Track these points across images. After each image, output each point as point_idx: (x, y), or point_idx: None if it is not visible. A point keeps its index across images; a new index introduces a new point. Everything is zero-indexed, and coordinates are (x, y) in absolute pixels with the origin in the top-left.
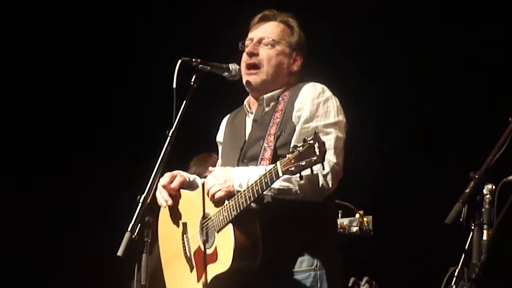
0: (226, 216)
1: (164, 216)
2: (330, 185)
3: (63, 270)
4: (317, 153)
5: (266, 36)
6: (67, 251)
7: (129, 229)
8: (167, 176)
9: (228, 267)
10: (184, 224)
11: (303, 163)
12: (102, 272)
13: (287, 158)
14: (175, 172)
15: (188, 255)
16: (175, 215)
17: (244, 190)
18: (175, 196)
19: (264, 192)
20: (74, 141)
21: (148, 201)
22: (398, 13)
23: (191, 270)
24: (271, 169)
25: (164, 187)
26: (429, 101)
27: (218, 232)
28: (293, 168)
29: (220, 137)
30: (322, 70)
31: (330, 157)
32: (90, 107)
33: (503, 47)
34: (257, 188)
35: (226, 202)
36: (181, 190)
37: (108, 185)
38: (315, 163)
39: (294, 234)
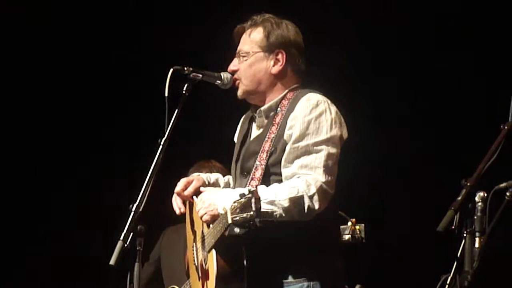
0: (210, 241)
1: (186, 218)
2: (317, 207)
3: (57, 279)
4: (253, 208)
5: (240, 49)
6: (61, 261)
7: (121, 238)
8: (181, 183)
9: None
10: (195, 233)
11: (245, 215)
12: (95, 281)
13: (233, 206)
14: (192, 176)
15: (196, 264)
16: (190, 222)
17: (216, 223)
18: (190, 204)
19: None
20: (66, 150)
21: (140, 210)
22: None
23: (199, 279)
24: (225, 213)
25: (178, 194)
26: (422, 109)
27: (208, 252)
28: (237, 218)
29: (235, 137)
30: (322, 81)
31: (319, 177)
32: (82, 115)
33: (497, 53)
34: (220, 225)
35: (211, 226)
36: (194, 198)
37: (100, 194)
38: (252, 218)
39: (285, 252)
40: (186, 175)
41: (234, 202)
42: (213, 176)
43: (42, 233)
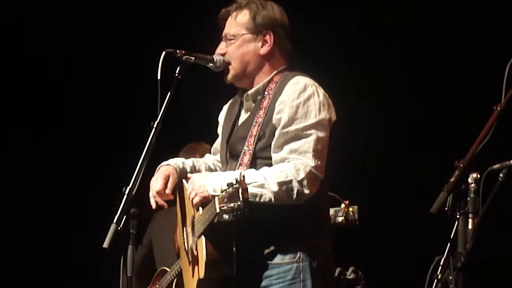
0: (199, 227)
1: (178, 203)
2: (307, 191)
3: (51, 262)
4: (240, 198)
5: (227, 33)
6: (55, 244)
7: (114, 221)
8: (160, 181)
9: (202, 276)
10: (184, 217)
11: (232, 205)
12: (90, 264)
13: (221, 195)
14: (166, 171)
15: (186, 248)
16: (180, 205)
17: (206, 209)
18: (180, 187)
19: None
20: (58, 135)
21: (134, 192)
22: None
23: (189, 264)
24: (213, 201)
25: (159, 193)
26: (415, 91)
27: (198, 238)
28: (225, 207)
29: (221, 118)
30: (310, 64)
31: (309, 161)
32: (78, 96)
33: (488, 34)
34: (209, 213)
35: (201, 211)
36: (183, 181)
37: (93, 176)
38: (239, 208)
39: (275, 235)
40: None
41: (222, 191)
42: (180, 162)
43: (29, 227)
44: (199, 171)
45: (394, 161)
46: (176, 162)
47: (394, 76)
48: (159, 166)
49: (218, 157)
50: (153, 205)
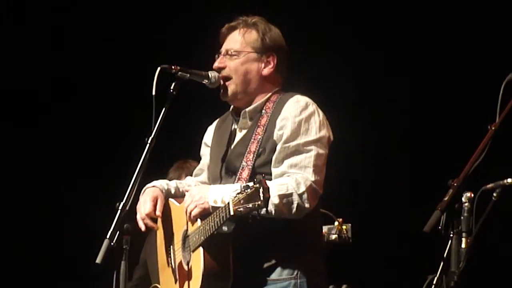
0: (198, 239)
1: (160, 222)
2: (307, 205)
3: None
4: (261, 198)
5: (230, 48)
6: (49, 257)
7: (108, 236)
8: (149, 203)
9: None
10: (171, 235)
11: (250, 205)
12: (82, 280)
13: (236, 197)
14: (154, 193)
15: (173, 266)
16: (165, 225)
17: (208, 219)
18: (166, 208)
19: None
20: (50, 148)
21: (127, 208)
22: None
23: (175, 282)
24: (225, 206)
25: (149, 215)
26: (409, 110)
27: (193, 252)
28: (241, 209)
29: (207, 138)
30: (303, 80)
31: (309, 175)
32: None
33: (485, 52)
34: (216, 220)
35: (199, 223)
36: (170, 200)
37: (87, 192)
38: (259, 207)
39: (273, 250)
40: (166, 175)
41: (239, 194)
42: (165, 185)
43: (30, 231)
44: (183, 192)
45: (388, 180)
46: (161, 183)
47: (388, 95)
48: (144, 188)
49: (201, 178)
50: (142, 228)
